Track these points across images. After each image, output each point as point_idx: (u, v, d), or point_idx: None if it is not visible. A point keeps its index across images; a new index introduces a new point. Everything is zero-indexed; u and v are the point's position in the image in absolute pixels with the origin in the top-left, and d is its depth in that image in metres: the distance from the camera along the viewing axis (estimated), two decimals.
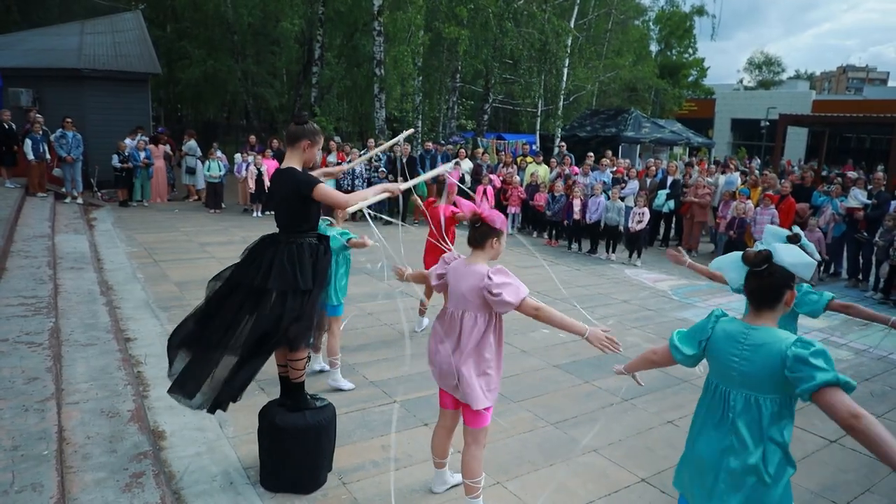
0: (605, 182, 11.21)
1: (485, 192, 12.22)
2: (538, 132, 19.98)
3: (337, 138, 15.25)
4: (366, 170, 12.58)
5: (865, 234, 9.11)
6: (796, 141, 30.32)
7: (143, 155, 12.61)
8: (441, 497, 3.35)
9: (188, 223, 11.20)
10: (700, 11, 29.90)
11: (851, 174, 14.63)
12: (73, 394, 3.99)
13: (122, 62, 14.78)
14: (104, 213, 11.70)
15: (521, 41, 16.29)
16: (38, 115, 11.88)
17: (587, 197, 10.81)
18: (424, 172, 12.86)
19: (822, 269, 9.84)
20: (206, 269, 7.78)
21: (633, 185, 11.48)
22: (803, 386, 1.96)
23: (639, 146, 18.37)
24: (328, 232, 4.12)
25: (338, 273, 4.51)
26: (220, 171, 12.71)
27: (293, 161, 3.29)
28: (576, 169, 12.60)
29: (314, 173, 3.49)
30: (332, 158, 12.68)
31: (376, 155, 12.83)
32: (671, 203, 11.41)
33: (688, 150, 20.32)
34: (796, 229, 3.21)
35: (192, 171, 13.77)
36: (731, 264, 2.29)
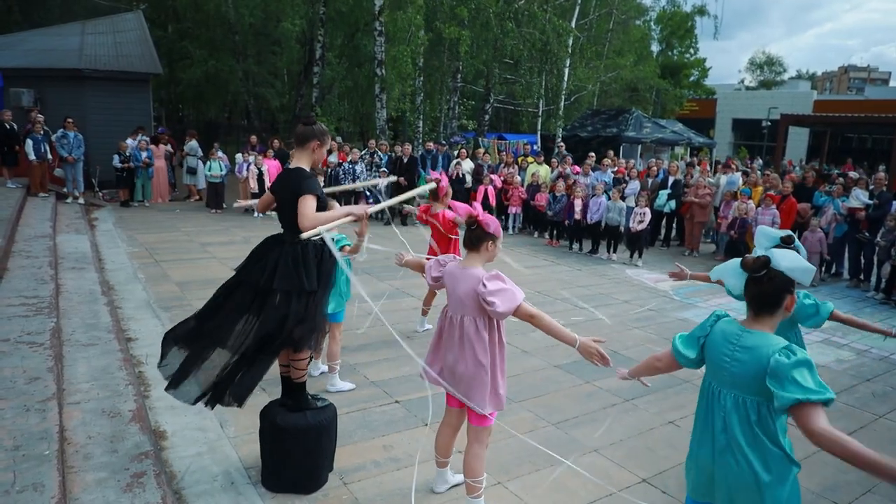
0: (605, 182, 11.21)
1: (486, 192, 12.24)
2: (539, 132, 19.97)
3: (338, 138, 15.26)
4: (367, 170, 12.59)
5: (867, 234, 9.10)
6: (798, 141, 30.32)
7: (144, 155, 12.62)
8: (442, 497, 3.35)
9: (189, 223, 11.21)
10: (701, 11, 29.89)
11: (852, 174, 14.62)
12: (74, 394, 4.00)
13: (124, 62, 14.79)
14: (105, 214, 11.71)
15: (521, 41, 16.29)
16: (39, 116, 11.90)
17: (588, 197, 10.81)
18: (425, 172, 12.93)
19: (823, 269, 9.84)
20: (207, 270, 7.80)
21: (635, 185, 11.48)
22: (776, 403, 1.98)
23: (640, 146, 18.37)
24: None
25: (339, 278, 4.48)
26: (221, 171, 12.72)
27: (302, 161, 3.30)
28: (576, 168, 12.60)
29: None
30: (332, 158, 12.69)
31: (378, 156, 12.86)
32: (672, 203, 11.40)
33: (689, 150, 20.31)
34: (786, 231, 3.21)
35: (193, 172, 13.78)
36: (730, 271, 2.30)
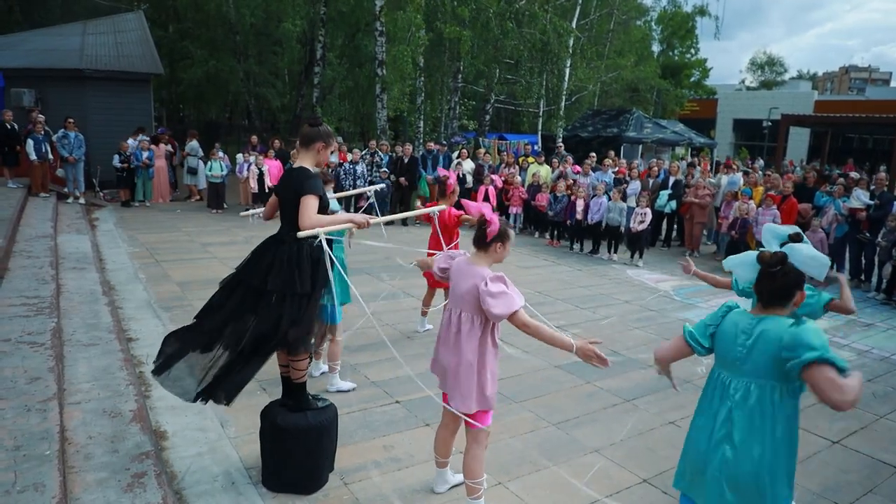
0: (606, 183, 11.20)
1: (486, 192, 12.23)
2: (540, 132, 19.97)
3: (339, 139, 15.26)
4: (368, 170, 12.59)
5: (868, 234, 9.09)
6: (798, 141, 30.30)
7: (145, 155, 12.63)
8: (442, 497, 3.35)
9: (190, 223, 11.21)
10: (702, 11, 29.85)
11: (853, 174, 14.61)
12: (74, 394, 4.00)
13: (124, 62, 14.80)
14: (106, 214, 11.72)
15: (522, 41, 16.28)
16: (40, 116, 11.90)
17: (589, 197, 10.80)
18: (425, 172, 12.92)
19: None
20: (208, 270, 7.80)
21: (636, 185, 11.48)
22: (791, 363, 2.02)
23: (641, 146, 18.36)
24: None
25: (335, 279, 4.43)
26: (221, 171, 12.73)
27: (305, 162, 3.32)
28: (577, 168, 12.59)
29: None
30: (333, 159, 12.69)
31: (378, 156, 12.86)
32: (673, 203, 11.39)
33: (690, 150, 20.30)
34: (794, 228, 3.21)
35: (193, 172, 13.78)
36: (744, 264, 2.32)
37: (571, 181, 11.72)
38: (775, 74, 60.54)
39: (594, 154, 13.47)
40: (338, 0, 18.29)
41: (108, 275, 7.32)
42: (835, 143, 27.38)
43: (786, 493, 2.16)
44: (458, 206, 5.50)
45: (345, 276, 3.87)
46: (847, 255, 9.62)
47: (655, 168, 12.26)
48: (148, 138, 13.18)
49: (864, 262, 9.34)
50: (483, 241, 2.94)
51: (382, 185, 4.12)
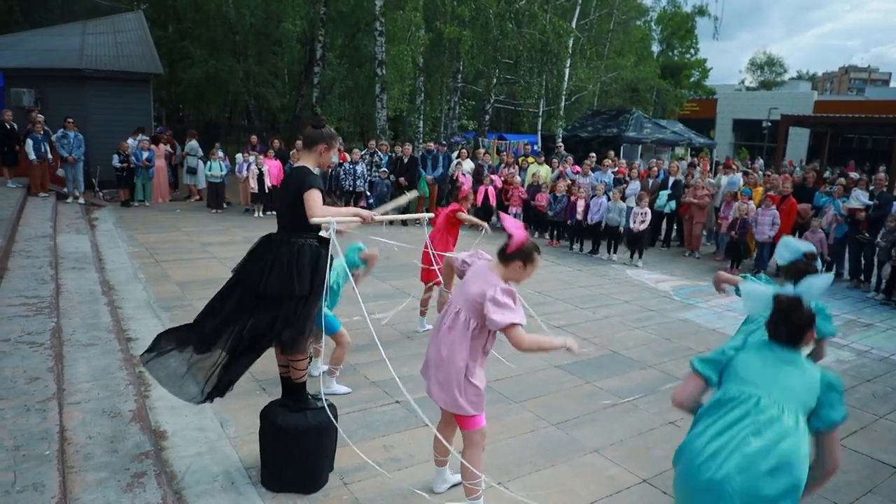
0: (606, 183, 11.20)
1: (486, 192, 12.24)
2: (540, 132, 19.97)
3: (339, 139, 15.23)
4: (368, 170, 12.59)
5: (867, 234, 9.09)
6: (798, 142, 30.30)
7: (145, 155, 12.62)
8: (442, 497, 3.35)
9: (190, 223, 11.21)
10: (702, 12, 29.87)
11: (853, 174, 14.61)
12: (74, 394, 4.00)
13: (124, 62, 14.80)
14: (106, 213, 11.71)
15: (521, 42, 16.28)
16: (39, 115, 11.90)
17: (589, 197, 10.81)
18: (425, 172, 12.92)
19: (823, 270, 9.81)
20: (208, 270, 7.80)
21: (635, 185, 11.48)
22: (821, 422, 2.19)
23: (640, 147, 18.37)
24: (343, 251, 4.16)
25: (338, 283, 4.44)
26: (221, 171, 12.72)
27: (307, 162, 3.34)
28: (576, 168, 12.59)
29: None
30: (333, 159, 12.66)
31: (378, 156, 12.87)
32: (672, 204, 11.39)
33: (689, 150, 20.31)
34: (809, 246, 3.27)
35: (193, 171, 13.78)
36: (760, 300, 2.35)
37: (570, 181, 11.72)
38: (775, 75, 60.57)
39: (594, 154, 13.46)
40: (338, 0, 18.29)
41: (107, 275, 7.32)
42: (834, 143, 27.36)
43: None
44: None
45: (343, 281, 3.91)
46: (846, 255, 9.63)
47: (655, 168, 12.26)
48: (148, 138, 13.18)
49: (863, 262, 9.34)
50: (504, 254, 2.94)
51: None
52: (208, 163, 12.89)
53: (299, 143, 13.50)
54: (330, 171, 12.44)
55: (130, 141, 12.84)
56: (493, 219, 13.03)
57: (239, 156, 13.45)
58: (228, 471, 3.44)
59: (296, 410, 3.31)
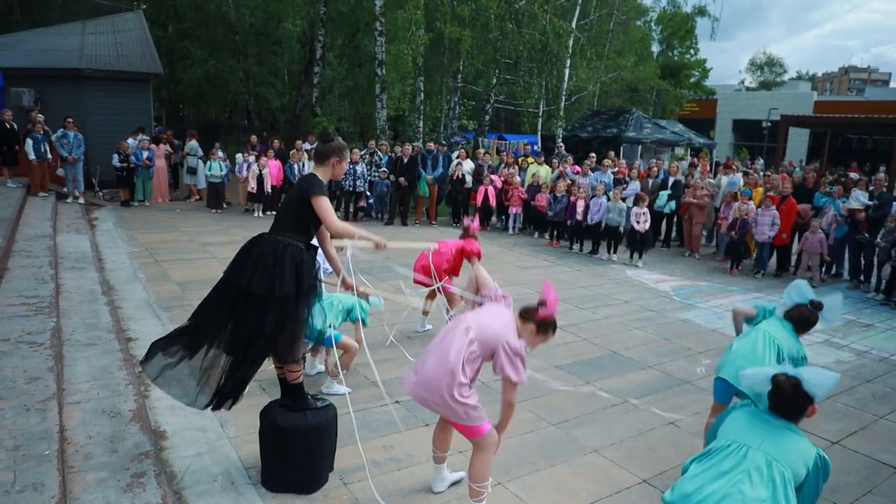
0: (605, 183, 11.20)
1: (486, 192, 12.24)
2: (540, 133, 19.97)
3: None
4: (367, 170, 12.59)
5: (867, 235, 9.10)
6: (798, 142, 30.31)
7: (145, 155, 12.62)
8: (442, 497, 3.35)
9: (189, 223, 11.21)
10: (702, 12, 29.86)
11: (853, 175, 14.61)
12: (74, 393, 4.00)
13: (124, 62, 14.80)
14: (106, 213, 11.71)
15: (521, 42, 16.28)
16: (39, 115, 11.90)
17: (589, 198, 10.80)
18: (425, 172, 12.90)
19: (823, 270, 9.84)
20: (208, 270, 7.80)
21: (635, 185, 11.48)
22: (806, 499, 2.26)
23: (640, 147, 18.37)
24: (351, 303, 4.29)
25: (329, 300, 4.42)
26: (221, 171, 12.73)
27: (321, 175, 3.37)
28: (576, 168, 12.59)
29: None
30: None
31: (377, 156, 12.86)
32: (672, 204, 11.39)
33: (689, 150, 20.31)
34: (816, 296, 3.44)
35: (193, 171, 13.78)
36: (759, 381, 2.40)
37: (570, 181, 11.71)
38: (775, 75, 60.57)
39: (594, 154, 13.46)
40: (338, 0, 18.28)
41: (107, 274, 7.32)
42: (834, 143, 27.38)
43: None
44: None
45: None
46: (846, 255, 9.64)
47: (655, 168, 12.26)
48: (148, 138, 13.18)
49: (863, 262, 9.34)
50: (529, 314, 3.06)
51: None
52: (208, 163, 12.89)
53: (299, 142, 13.57)
54: None
55: (131, 141, 12.84)
56: (493, 219, 13.05)
57: (239, 156, 13.45)
58: (228, 471, 3.44)
59: (295, 410, 3.30)
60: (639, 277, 9.24)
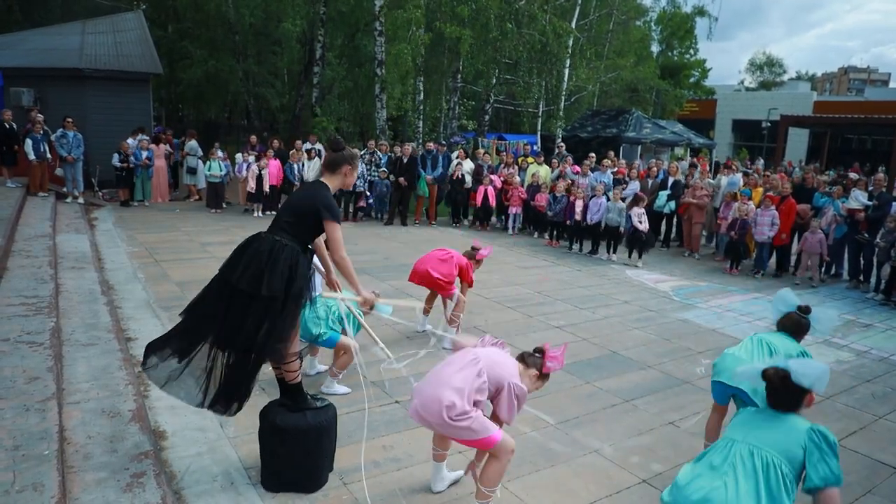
0: (605, 183, 11.20)
1: (486, 192, 12.24)
2: (539, 132, 19.98)
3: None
4: (367, 170, 12.58)
5: (866, 235, 9.10)
6: (797, 142, 30.33)
7: (144, 155, 12.62)
8: (441, 497, 3.35)
9: (189, 223, 11.20)
10: (701, 12, 29.85)
11: (853, 175, 14.61)
12: (73, 393, 4.00)
13: (124, 62, 14.79)
14: (105, 213, 11.71)
15: (521, 42, 16.28)
16: (38, 115, 11.89)
17: (587, 198, 10.81)
18: (425, 172, 12.88)
19: (822, 270, 9.84)
20: (207, 269, 7.75)
21: (635, 185, 11.48)
22: (813, 481, 2.21)
23: (640, 147, 18.37)
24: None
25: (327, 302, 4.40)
26: (220, 171, 12.72)
27: (331, 184, 3.36)
28: (576, 168, 12.59)
29: None
30: None
31: (377, 156, 12.86)
32: (672, 204, 11.40)
33: (689, 150, 20.31)
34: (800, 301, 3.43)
35: (193, 171, 13.78)
36: (753, 377, 2.48)
37: (570, 181, 11.72)
38: (774, 75, 60.61)
39: (593, 154, 13.46)
40: (337, 0, 18.28)
41: (106, 274, 7.32)
42: (834, 143, 27.41)
43: None
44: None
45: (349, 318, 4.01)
46: (846, 255, 9.64)
47: (654, 168, 12.26)
48: (148, 138, 13.17)
49: (862, 262, 9.35)
50: (532, 361, 3.17)
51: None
52: (207, 163, 12.89)
53: (298, 142, 13.57)
54: None
55: (130, 140, 12.83)
56: (493, 219, 13.05)
57: (239, 156, 13.45)
58: (228, 471, 3.44)
59: (295, 410, 3.30)
60: (638, 277, 9.25)
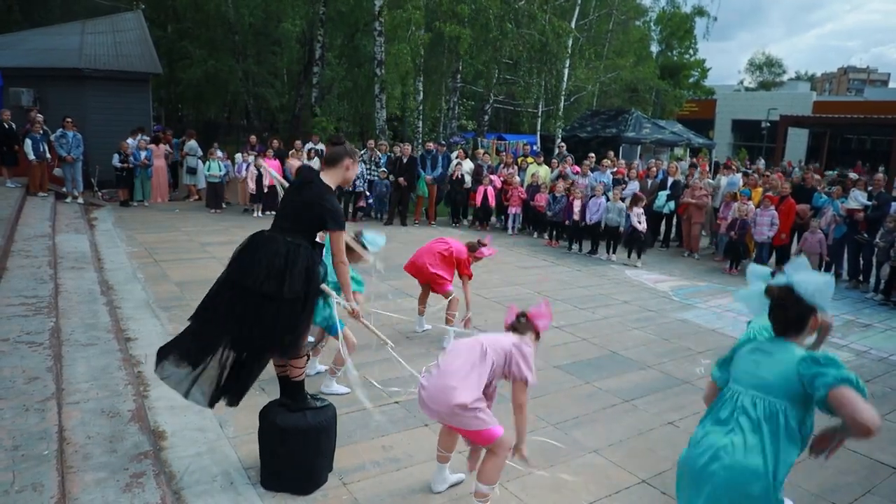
0: (605, 183, 11.20)
1: (485, 192, 12.24)
2: (539, 133, 19.98)
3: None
4: (367, 170, 12.58)
5: (866, 235, 9.10)
6: (797, 142, 30.35)
7: (143, 154, 12.62)
8: (441, 497, 3.35)
9: (189, 223, 11.20)
10: (701, 12, 29.87)
11: (852, 175, 14.62)
12: (73, 394, 4.00)
13: (123, 62, 14.79)
14: (105, 213, 11.70)
15: (521, 42, 16.29)
16: (38, 115, 11.88)
17: (587, 198, 10.81)
18: (425, 172, 12.87)
19: (822, 270, 9.84)
20: (207, 270, 7.79)
21: (634, 185, 11.49)
22: (818, 381, 2.04)
23: (639, 147, 18.37)
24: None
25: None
26: (220, 171, 12.72)
27: (332, 179, 3.35)
28: (576, 168, 12.59)
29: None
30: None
31: (377, 155, 12.86)
32: (671, 204, 11.40)
33: (688, 150, 20.31)
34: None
35: (192, 171, 13.78)
36: (753, 299, 2.38)
37: (570, 182, 11.72)
38: (774, 75, 60.65)
39: (593, 154, 13.47)
40: (337, 0, 18.28)
41: (106, 274, 7.31)
42: (833, 143, 27.43)
43: None
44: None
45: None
46: (845, 255, 9.64)
47: (654, 169, 12.27)
48: (147, 138, 13.17)
49: (862, 262, 9.36)
50: (518, 329, 3.20)
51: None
52: (207, 163, 12.89)
53: (298, 142, 13.57)
54: None
55: (130, 140, 12.83)
56: (492, 219, 13.05)
57: (238, 156, 13.45)
58: (227, 471, 3.44)
59: (295, 410, 3.30)
60: (638, 277, 9.25)
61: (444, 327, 5.68)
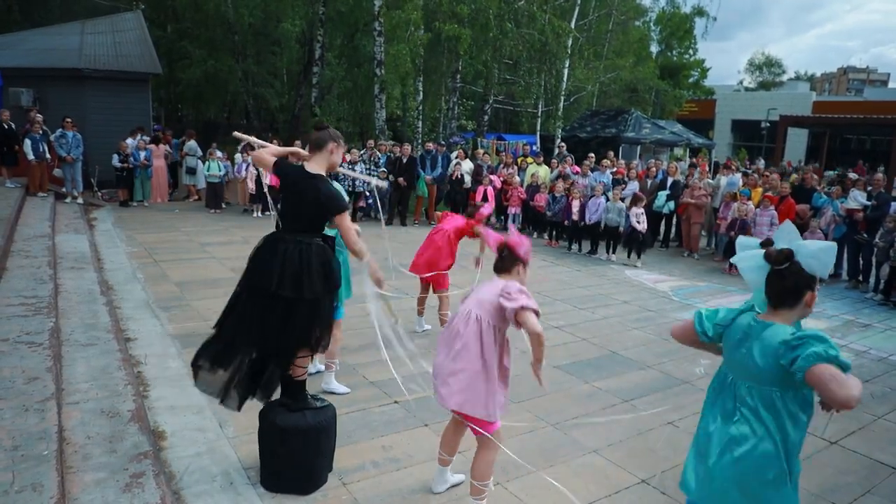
0: (604, 183, 11.20)
1: (485, 192, 12.23)
2: (538, 133, 19.98)
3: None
4: (366, 170, 12.58)
5: (865, 235, 9.11)
6: (797, 142, 30.34)
7: (143, 155, 12.61)
8: (441, 497, 3.35)
9: (188, 223, 11.20)
10: (700, 12, 29.87)
11: (852, 175, 14.63)
12: (73, 394, 3.99)
13: (123, 62, 14.78)
14: (104, 213, 11.70)
15: (520, 42, 16.29)
16: (37, 115, 11.88)
17: (587, 198, 10.81)
18: (424, 172, 12.85)
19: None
20: (207, 270, 7.80)
21: (633, 185, 11.49)
22: (797, 364, 1.98)
23: (639, 147, 18.38)
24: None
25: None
26: (219, 171, 12.72)
27: (319, 166, 3.34)
28: (576, 168, 12.59)
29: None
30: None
31: (376, 155, 12.86)
32: (671, 204, 11.40)
33: (688, 151, 20.31)
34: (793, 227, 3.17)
35: (192, 171, 13.78)
36: (751, 267, 2.25)
37: (570, 182, 11.72)
38: (773, 75, 60.67)
39: (593, 155, 13.47)
40: (337, 0, 18.28)
41: (106, 275, 7.31)
42: (833, 143, 27.43)
43: (792, 496, 2.16)
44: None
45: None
46: (845, 255, 9.64)
47: (654, 169, 12.27)
48: (147, 138, 13.16)
49: (861, 262, 9.36)
50: (504, 267, 3.19)
51: (384, 184, 4.09)
52: (206, 163, 12.89)
53: (298, 142, 13.55)
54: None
55: (130, 140, 12.82)
56: (492, 219, 13.03)
57: (238, 156, 13.44)
58: (227, 471, 3.44)
59: (295, 410, 3.30)
60: (638, 278, 9.25)
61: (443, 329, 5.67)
